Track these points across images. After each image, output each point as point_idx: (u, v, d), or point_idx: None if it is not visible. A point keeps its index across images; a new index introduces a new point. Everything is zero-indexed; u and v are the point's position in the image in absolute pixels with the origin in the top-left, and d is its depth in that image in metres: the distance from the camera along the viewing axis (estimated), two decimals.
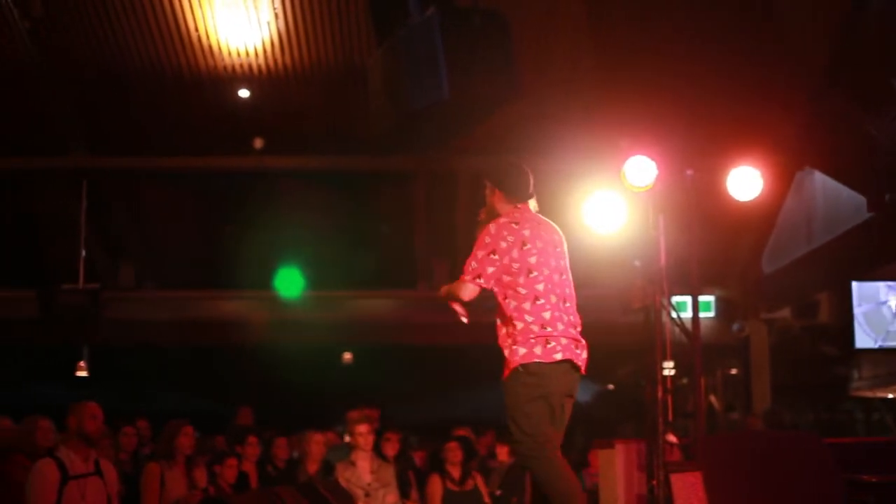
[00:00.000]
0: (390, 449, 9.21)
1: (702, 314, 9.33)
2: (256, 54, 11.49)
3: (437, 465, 9.44)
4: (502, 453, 10.74)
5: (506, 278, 5.48)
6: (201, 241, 14.17)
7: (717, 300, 14.45)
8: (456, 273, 12.86)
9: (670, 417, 7.98)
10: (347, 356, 19.07)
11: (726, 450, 7.22)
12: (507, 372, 5.51)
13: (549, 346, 5.43)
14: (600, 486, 8.05)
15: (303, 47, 11.34)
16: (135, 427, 9.89)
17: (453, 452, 9.33)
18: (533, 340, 5.42)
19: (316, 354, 21.51)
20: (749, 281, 14.23)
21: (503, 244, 5.44)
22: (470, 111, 7.75)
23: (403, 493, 9.01)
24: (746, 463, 6.71)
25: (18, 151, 12.77)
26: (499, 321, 5.61)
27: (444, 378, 20.52)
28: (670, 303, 8.24)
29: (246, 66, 11.65)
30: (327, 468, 9.14)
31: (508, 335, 5.51)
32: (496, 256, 5.44)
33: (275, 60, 11.52)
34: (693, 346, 8.30)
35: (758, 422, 12.78)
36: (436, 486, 9.21)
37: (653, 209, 8.27)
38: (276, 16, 10.99)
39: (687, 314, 8.53)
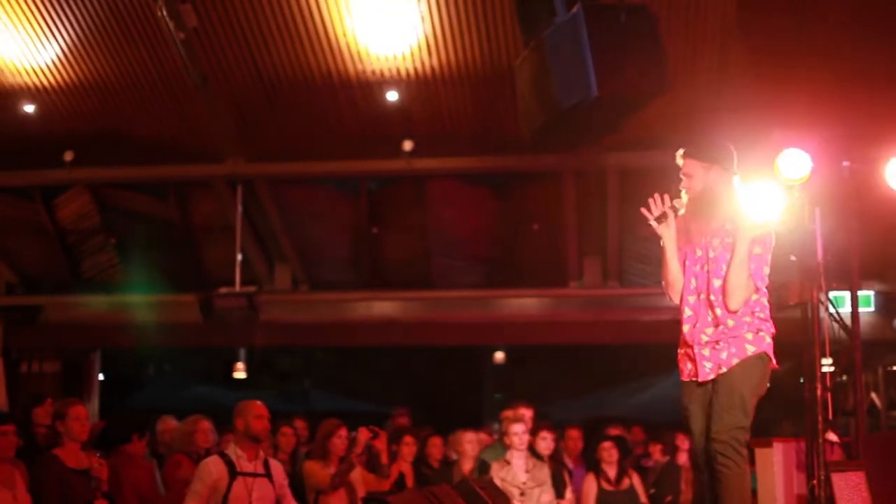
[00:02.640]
0: (545, 448, 9.20)
1: (861, 309, 9.10)
2: (404, 57, 11.58)
3: (592, 464, 9.41)
4: (655, 451, 10.66)
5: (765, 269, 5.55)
6: (352, 243, 14.34)
7: (877, 294, 14.04)
8: (607, 271, 12.72)
9: (830, 415, 7.81)
10: (499, 355, 19.10)
11: (890, 449, 7.05)
12: (751, 353, 5.46)
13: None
14: (758, 486, 7.93)
15: (449, 49, 11.39)
16: (292, 427, 10.04)
17: (608, 451, 9.29)
18: (772, 335, 5.53)
19: (468, 354, 21.63)
20: None
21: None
22: (619, 107, 7.71)
23: (558, 492, 8.99)
24: None
25: (177, 160, 13.11)
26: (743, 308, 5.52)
27: (595, 377, 20.42)
28: (828, 298, 8.07)
29: (394, 70, 11.75)
30: (482, 467, 9.17)
31: (753, 321, 5.50)
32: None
33: (422, 62, 11.59)
34: (853, 343, 8.11)
35: None
36: (591, 485, 9.18)
37: (809, 202, 8.11)
38: (423, 19, 11.06)
39: (846, 309, 8.34)
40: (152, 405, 18.62)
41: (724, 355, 5.46)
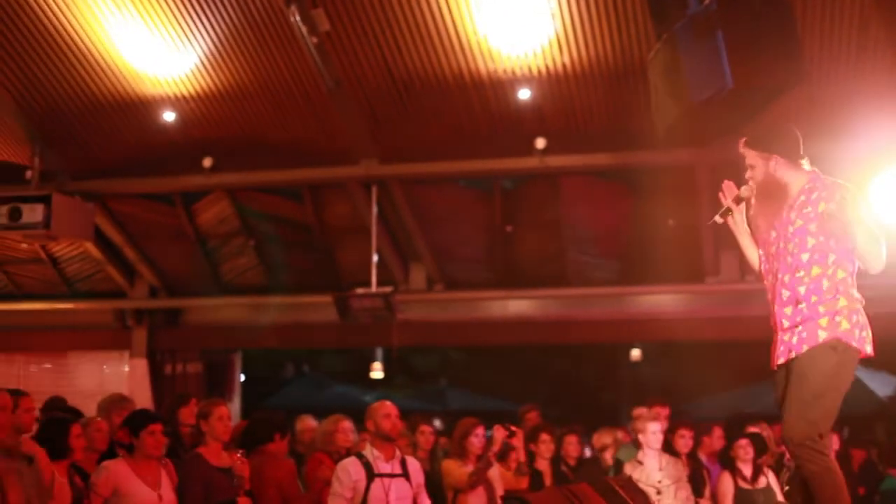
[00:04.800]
0: (683, 445, 9.11)
1: None
2: (535, 55, 11.57)
3: (728, 462, 9.28)
4: None
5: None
6: (486, 242, 14.36)
7: None
8: (744, 265, 12.57)
9: None
10: (636, 353, 18.94)
11: None
12: (822, 340, 5.21)
13: (863, 334, 5.29)
14: None
15: (581, 45, 11.34)
16: (431, 425, 10.11)
17: (744, 450, 9.15)
18: (856, 320, 5.24)
19: (604, 351, 21.51)
20: None
21: None
22: (754, 99, 7.59)
23: (696, 490, 8.89)
24: None
25: (312, 163, 13.30)
26: (813, 287, 5.31)
27: (734, 374, 20.10)
28: None
29: (525, 68, 11.75)
30: (617, 466, 9.13)
31: (835, 303, 5.26)
32: None
33: (553, 59, 11.57)
34: None
35: None
36: (727, 483, 9.06)
37: None
38: (553, 16, 11.04)
39: None
40: (292, 405, 18.92)
41: (794, 340, 5.25)
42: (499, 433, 8.65)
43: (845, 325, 5.21)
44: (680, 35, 7.59)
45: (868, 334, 5.25)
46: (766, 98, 7.76)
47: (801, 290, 5.23)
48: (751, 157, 5.58)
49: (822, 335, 5.18)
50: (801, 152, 5.52)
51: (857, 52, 10.92)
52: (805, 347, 5.21)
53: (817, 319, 5.21)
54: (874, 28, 10.62)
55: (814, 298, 5.21)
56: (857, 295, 5.28)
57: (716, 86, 7.22)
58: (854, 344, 5.19)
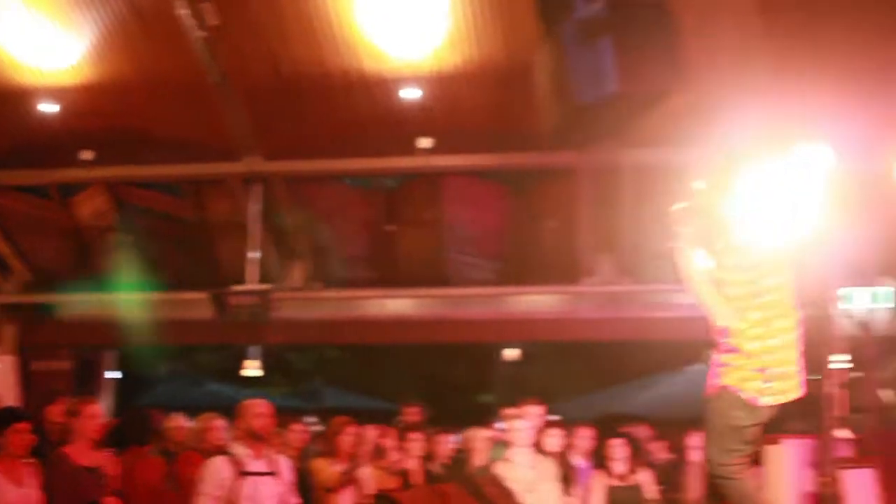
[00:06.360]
0: (553, 445, 9.20)
1: (878, 305, 9.09)
2: (424, 55, 11.59)
3: (600, 460, 9.39)
4: (663, 449, 10.67)
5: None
6: (367, 241, 14.35)
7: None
8: (621, 268, 12.64)
9: (842, 412, 7.78)
10: (512, 353, 19.09)
11: None
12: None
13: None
14: (769, 483, 7.91)
15: (472, 45, 11.39)
16: (304, 424, 10.05)
17: (618, 448, 9.27)
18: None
19: (481, 352, 21.64)
20: None
21: None
22: (637, 104, 7.69)
23: (566, 488, 8.99)
24: None
25: (194, 158, 13.14)
26: None
27: (607, 374, 20.42)
28: (844, 295, 8.05)
29: (413, 67, 11.76)
30: (489, 465, 9.19)
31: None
32: None
33: (442, 60, 11.60)
34: (868, 339, 8.09)
35: None
36: (599, 481, 9.16)
37: (826, 197, 8.09)
38: (443, 16, 11.06)
39: (861, 306, 8.32)
40: (166, 403, 18.64)
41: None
42: (370, 432, 8.66)
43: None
44: (567, 38, 7.65)
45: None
46: (648, 103, 7.87)
47: None
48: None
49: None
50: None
51: (739, 61, 11.15)
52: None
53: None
54: (754, 39, 10.87)
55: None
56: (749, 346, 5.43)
57: (600, 89, 7.30)
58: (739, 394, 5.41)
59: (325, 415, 11.17)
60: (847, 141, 7.91)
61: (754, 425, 5.50)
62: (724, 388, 5.46)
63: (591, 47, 7.29)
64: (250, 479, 7.27)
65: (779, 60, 10.85)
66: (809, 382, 5.64)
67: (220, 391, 22.24)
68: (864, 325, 8.12)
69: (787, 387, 5.45)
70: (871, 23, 10.22)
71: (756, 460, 9.95)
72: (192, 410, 10.49)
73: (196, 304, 13.99)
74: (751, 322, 5.41)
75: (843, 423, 7.71)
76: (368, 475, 8.80)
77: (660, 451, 10.70)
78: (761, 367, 5.41)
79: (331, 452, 8.79)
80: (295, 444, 9.61)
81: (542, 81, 8.13)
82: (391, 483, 8.94)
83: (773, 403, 5.42)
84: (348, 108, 12.40)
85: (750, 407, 5.42)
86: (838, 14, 10.17)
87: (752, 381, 5.40)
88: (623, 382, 20.73)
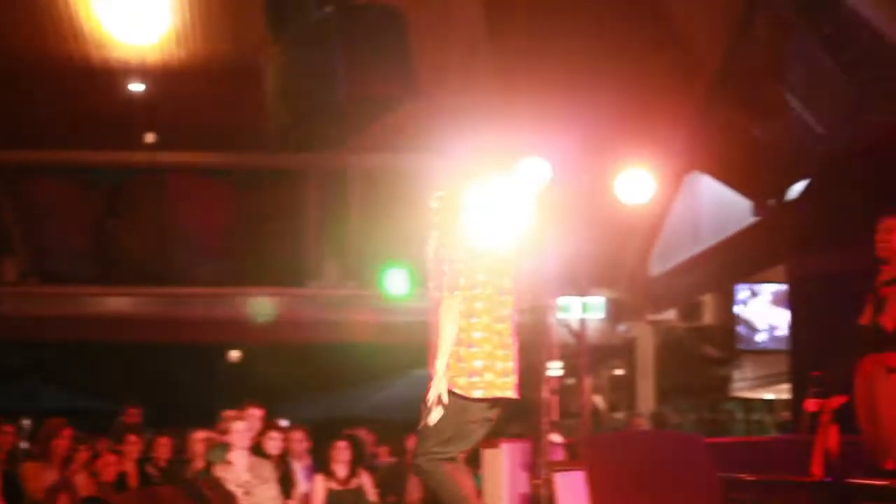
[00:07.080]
0: (273, 447, 9.17)
1: (591, 315, 9.46)
2: (151, 47, 11.34)
3: (322, 463, 9.40)
4: (383, 452, 10.79)
5: None
6: (87, 236, 13.93)
7: (607, 302, 14.58)
8: (347, 271, 12.65)
9: (556, 417, 8.06)
10: (235, 354, 18.92)
11: (609, 449, 7.32)
12: None
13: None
14: (485, 485, 8.10)
15: (199, 41, 11.23)
16: (15, 425, 9.65)
17: (340, 451, 9.30)
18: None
19: (204, 352, 21.35)
20: (637, 283, 14.41)
21: None
22: (365, 110, 7.75)
23: (285, 491, 8.97)
24: (629, 462, 6.81)
25: None
26: None
27: (333, 377, 20.47)
28: (559, 304, 8.33)
29: (140, 59, 11.50)
30: (208, 467, 9.07)
31: None
32: None
33: (169, 53, 11.39)
34: (580, 347, 8.39)
35: (643, 422, 12.94)
36: (319, 484, 9.17)
37: (544, 209, 8.36)
38: (172, 9, 10.86)
39: (575, 315, 8.62)
40: None
41: None
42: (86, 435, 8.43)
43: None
44: (298, 40, 7.64)
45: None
46: (376, 111, 7.95)
47: None
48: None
49: None
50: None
51: (467, 72, 11.41)
52: None
53: None
54: (483, 52, 11.15)
55: None
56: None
57: (328, 94, 7.32)
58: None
59: (41, 416, 10.78)
60: (564, 157, 8.24)
61: (471, 422, 5.54)
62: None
63: (321, 52, 7.30)
64: None
65: (503, 79, 11.17)
66: (524, 387, 5.77)
67: None
68: (577, 334, 8.40)
69: (498, 382, 5.52)
70: (589, 47, 10.63)
71: (471, 462, 10.27)
72: None
73: None
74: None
75: (556, 427, 7.98)
76: (82, 479, 8.54)
77: (382, 455, 10.81)
78: (466, 358, 5.49)
79: (43, 456, 8.47)
80: (3, 446, 9.21)
81: (270, 82, 8.09)
82: (106, 486, 8.71)
83: (486, 397, 5.47)
84: (71, 98, 12.03)
85: (464, 402, 5.48)
86: (559, 38, 10.54)
87: (460, 377, 5.47)
88: (350, 385, 20.84)
